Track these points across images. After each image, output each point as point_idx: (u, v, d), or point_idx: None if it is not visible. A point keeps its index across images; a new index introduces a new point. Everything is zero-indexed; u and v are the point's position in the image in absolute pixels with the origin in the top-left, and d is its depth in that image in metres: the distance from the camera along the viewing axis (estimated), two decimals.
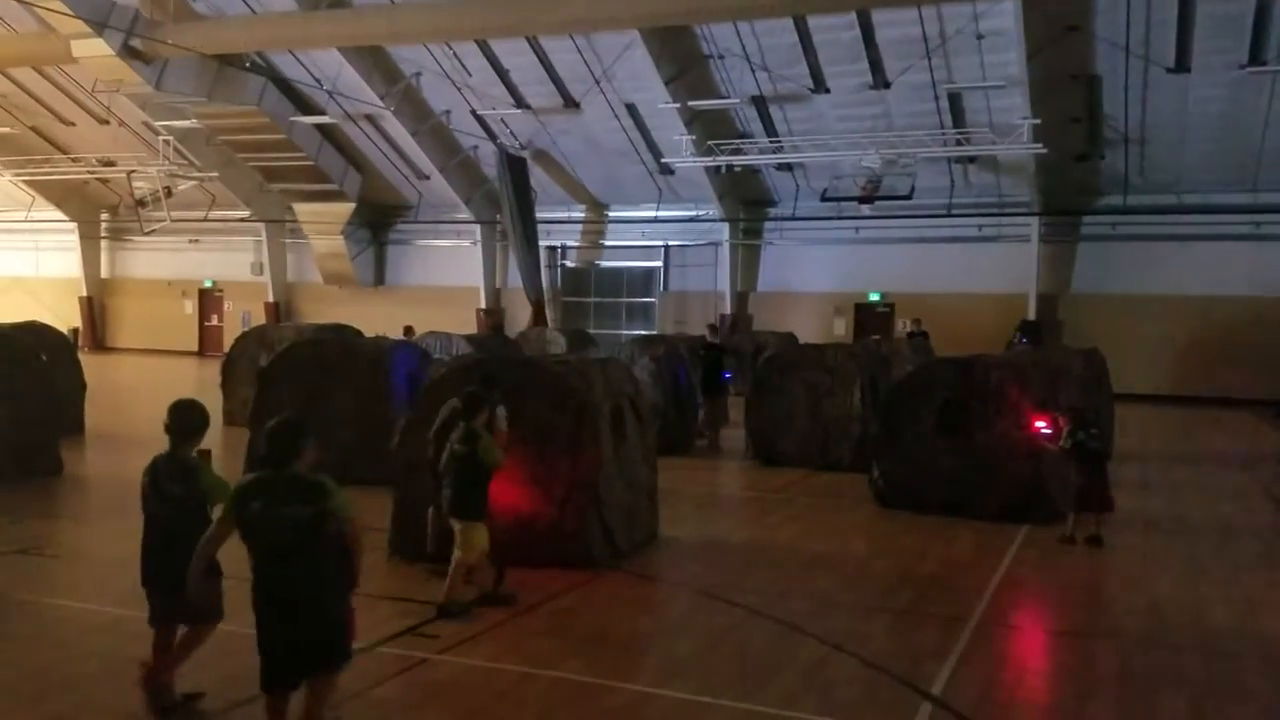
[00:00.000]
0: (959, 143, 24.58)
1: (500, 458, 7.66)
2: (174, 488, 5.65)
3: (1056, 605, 8.73)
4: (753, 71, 24.07)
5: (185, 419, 5.85)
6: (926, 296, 26.71)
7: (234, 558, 5.40)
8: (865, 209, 26.10)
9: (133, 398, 22.11)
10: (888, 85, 23.94)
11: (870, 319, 28.12)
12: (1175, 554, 10.19)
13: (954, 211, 26.33)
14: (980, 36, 21.93)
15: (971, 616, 7.90)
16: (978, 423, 11.24)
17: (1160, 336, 25.25)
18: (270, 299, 34.13)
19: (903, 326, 26.89)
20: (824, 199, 26.66)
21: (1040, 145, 22.89)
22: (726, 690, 6.29)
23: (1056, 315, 26.25)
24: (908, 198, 25.37)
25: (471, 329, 27.75)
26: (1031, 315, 26.09)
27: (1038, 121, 22.53)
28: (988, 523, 10.83)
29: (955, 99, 24.07)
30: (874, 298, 28.27)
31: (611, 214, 30.89)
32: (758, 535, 10.88)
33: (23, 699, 6.01)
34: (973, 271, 26.41)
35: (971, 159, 25.56)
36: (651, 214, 29.47)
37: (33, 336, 15.20)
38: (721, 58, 24.07)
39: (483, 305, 31.67)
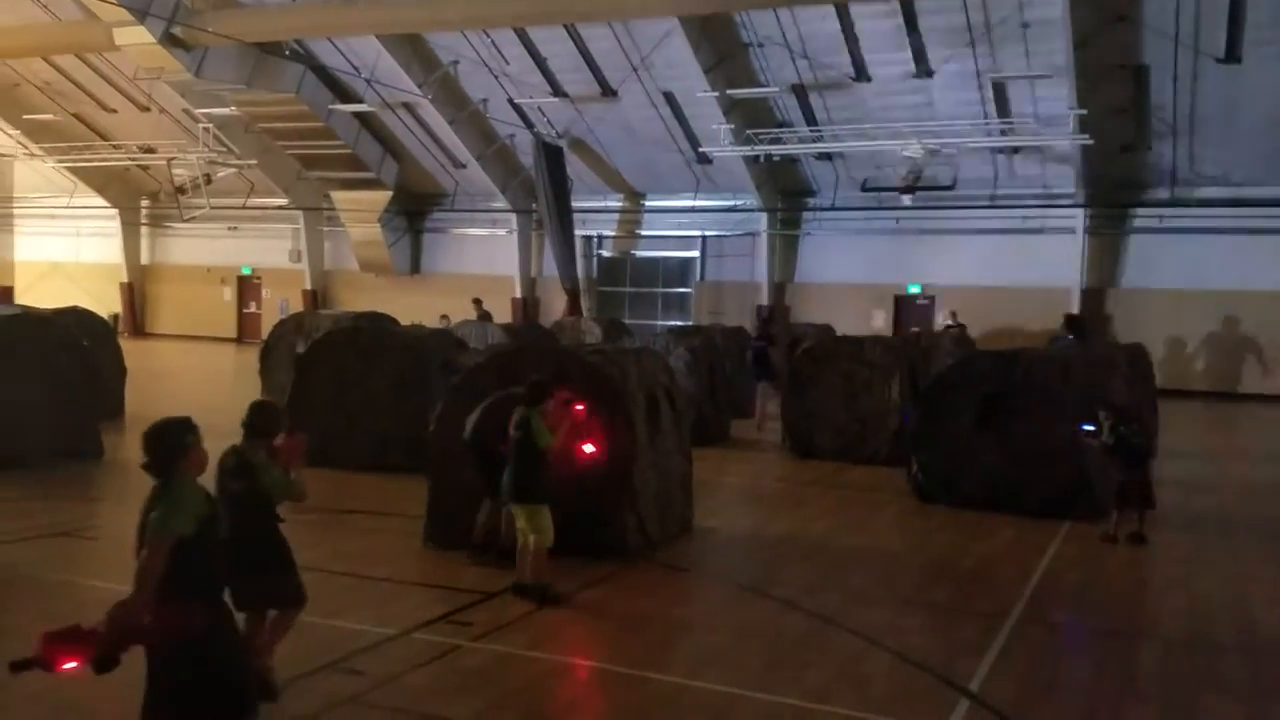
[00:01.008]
0: (1003, 133, 24.19)
1: (551, 440, 7.69)
2: (234, 484, 5.66)
3: (1097, 603, 8.56)
4: (793, 60, 23.83)
5: (259, 418, 5.83)
6: (968, 289, 26.36)
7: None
8: (906, 199, 25.77)
9: (172, 383, 22.34)
10: (931, 74, 23.61)
11: (910, 311, 27.82)
12: (1220, 553, 9.97)
13: (997, 203, 25.94)
14: (1026, 25, 21.55)
15: (1011, 613, 7.76)
16: (1020, 417, 11.06)
17: (1208, 332, 24.75)
18: (307, 286, 34.36)
19: (942, 319, 26.59)
20: (864, 189, 26.34)
21: (1086, 136, 22.47)
22: (759, 682, 6.22)
23: (1102, 310, 25.82)
24: (950, 188, 24.97)
25: (507, 318, 27.79)
26: (1075, 310, 25.67)
27: (1084, 112, 22.11)
28: (1028, 519, 10.65)
29: (1000, 88, 23.70)
30: (914, 290, 27.96)
31: (648, 203, 30.76)
32: (792, 528, 10.77)
33: (68, 680, 6.03)
34: (1016, 264, 26.01)
35: (1016, 150, 25.16)
36: (688, 203, 29.31)
37: (74, 321, 15.40)
38: (761, 46, 23.85)
39: (517, 294, 31.71)
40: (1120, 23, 21.09)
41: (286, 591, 5.85)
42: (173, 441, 4.51)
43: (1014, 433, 11.07)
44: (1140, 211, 25.58)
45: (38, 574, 8.08)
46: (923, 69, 23.60)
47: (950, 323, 24.86)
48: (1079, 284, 25.80)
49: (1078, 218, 25.76)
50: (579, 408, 8.01)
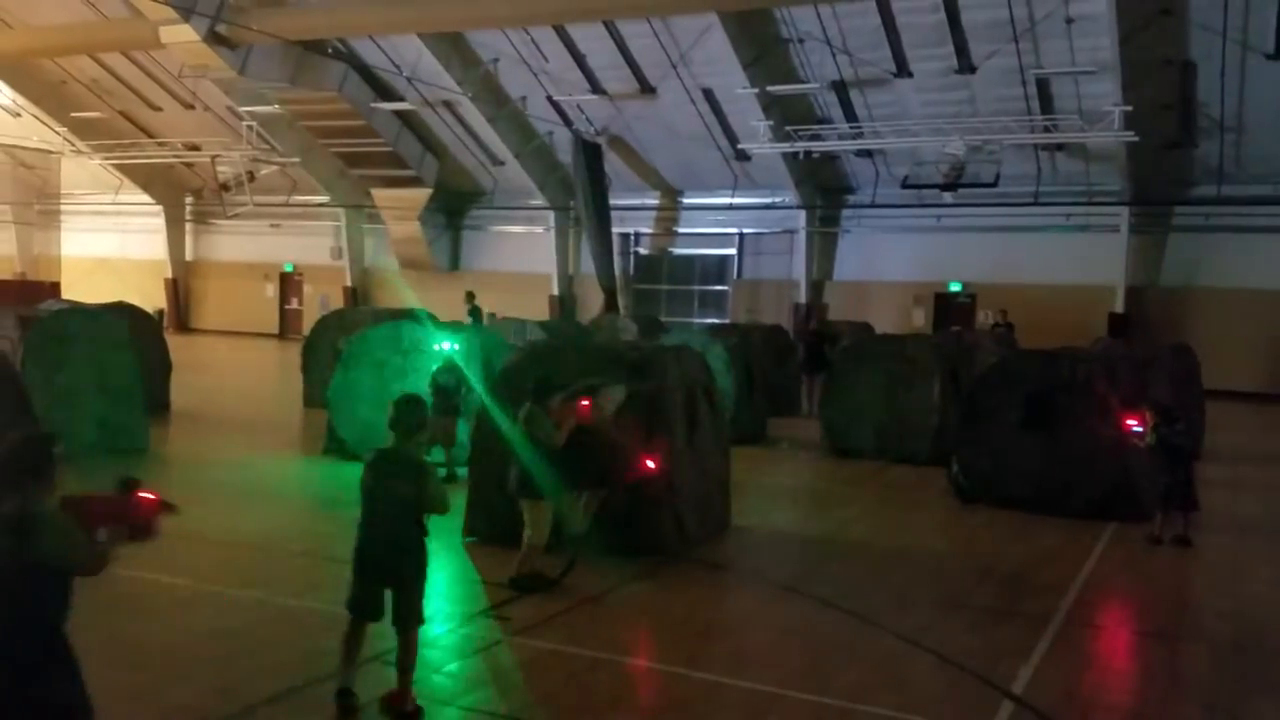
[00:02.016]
0: (1046, 129, 23.89)
1: (555, 438, 7.69)
2: (403, 488, 5.46)
3: (1143, 606, 8.44)
4: (833, 55, 23.68)
5: (409, 414, 5.65)
6: (1010, 287, 26.06)
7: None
8: (948, 196, 25.55)
9: (216, 378, 22.63)
10: (973, 70, 23.38)
11: (951, 309, 27.56)
12: (1267, 557, 9.80)
13: (1040, 200, 25.62)
14: (1070, 20, 21.28)
15: (1055, 615, 7.68)
16: (1064, 417, 10.93)
17: (1255, 332, 24.28)
18: (348, 283, 34.68)
19: (985, 317, 26.32)
20: (905, 186, 26.14)
21: (1131, 133, 22.15)
22: (798, 682, 6.19)
23: (1146, 308, 25.44)
24: (992, 185, 24.72)
25: (544, 315, 27.87)
26: (1119, 308, 25.34)
27: (1129, 108, 21.79)
28: (1072, 520, 10.52)
29: (1043, 84, 23.41)
30: (955, 288, 27.71)
31: (686, 200, 30.73)
32: (831, 528, 10.71)
33: (120, 668, 6.14)
34: (1059, 262, 25.70)
35: (1059, 146, 24.84)
36: (726, 201, 29.23)
37: (121, 316, 15.62)
38: (801, 41, 23.72)
39: (555, 292, 31.79)
40: (1166, 17, 20.76)
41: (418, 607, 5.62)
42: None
43: (1057, 433, 10.94)
44: (1185, 209, 25.18)
45: None
46: (965, 64, 23.37)
47: (998, 321, 24.60)
48: (1123, 282, 25.45)
49: (1122, 215, 25.40)
50: (584, 403, 7.97)
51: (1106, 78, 21.79)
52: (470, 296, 22.15)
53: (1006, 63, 22.64)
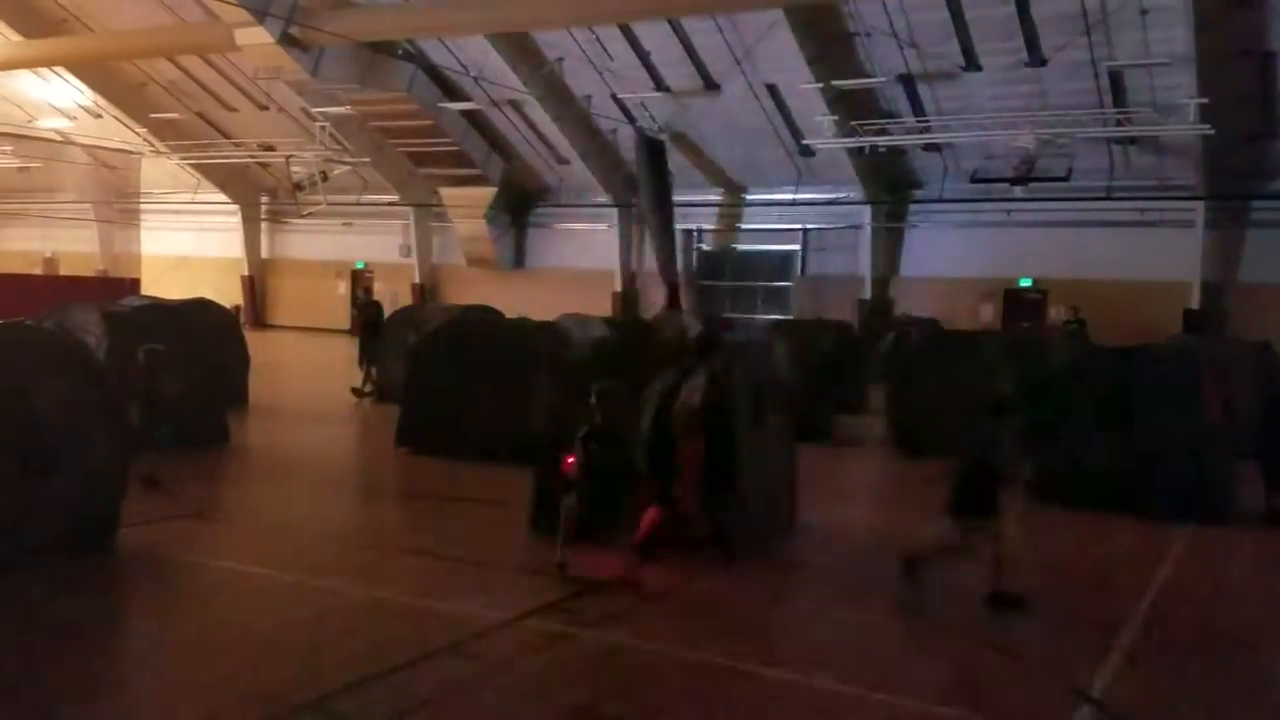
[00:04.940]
0: (1119, 123, 23.38)
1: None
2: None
3: (1224, 609, 8.26)
4: (900, 49, 23.42)
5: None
6: (1081, 283, 25.55)
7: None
8: (1018, 191, 25.13)
9: (291, 373, 23.11)
10: (1044, 63, 22.95)
11: (1020, 306, 27.11)
12: None
13: (1113, 194, 25.08)
14: (1144, 11, 20.79)
15: (1131, 618, 7.56)
16: (1139, 416, 10.71)
17: None
18: (416, 280, 35.18)
19: (1056, 314, 25.85)
20: (974, 180, 25.76)
21: (1207, 125, 21.54)
22: (872, 683, 6.16)
23: (1223, 305, 24.78)
24: (1064, 179, 24.28)
25: (606, 312, 27.97)
26: (1195, 305, 24.71)
27: (1205, 100, 21.21)
28: (1148, 521, 10.32)
29: (1116, 77, 22.92)
30: (1025, 284, 27.25)
31: (749, 196, 30.63)
32: (900, 526, 10.59)
33: (198, 655, 6.36)
34: (1131, 258, 25.13)
35: (1133, 140, 24.30)
36: (790, 196, 29.07)
37: (201, 312, 16.05)
38: (868, 35, 23.49)
39: (617, 288, 31.90)
40: (1244, 7, 20.20)
41: None
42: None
43: (1134, 431, 10.73)
44: (1264, 204, 24.46)
45: (171, 555, 8.48)
46: (1035, 58, 22.96)
47: (1069, 318, 24.17)
48: (1198, 278, 24.83)
49: (1197, 210, 24.76)
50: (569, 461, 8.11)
51: (1181, 70, 21.26)
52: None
53: (1078, 55, 22.19)
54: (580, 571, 7.84)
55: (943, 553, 7.94)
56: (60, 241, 40.59)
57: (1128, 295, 24.82)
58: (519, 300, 23.33)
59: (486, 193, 31.88)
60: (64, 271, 38.84)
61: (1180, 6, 19.85)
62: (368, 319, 19.04)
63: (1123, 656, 6.75)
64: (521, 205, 33.43)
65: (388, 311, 21.27)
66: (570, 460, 8.02)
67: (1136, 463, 10.64)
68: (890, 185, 28.41)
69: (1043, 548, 9.74)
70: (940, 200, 27.33)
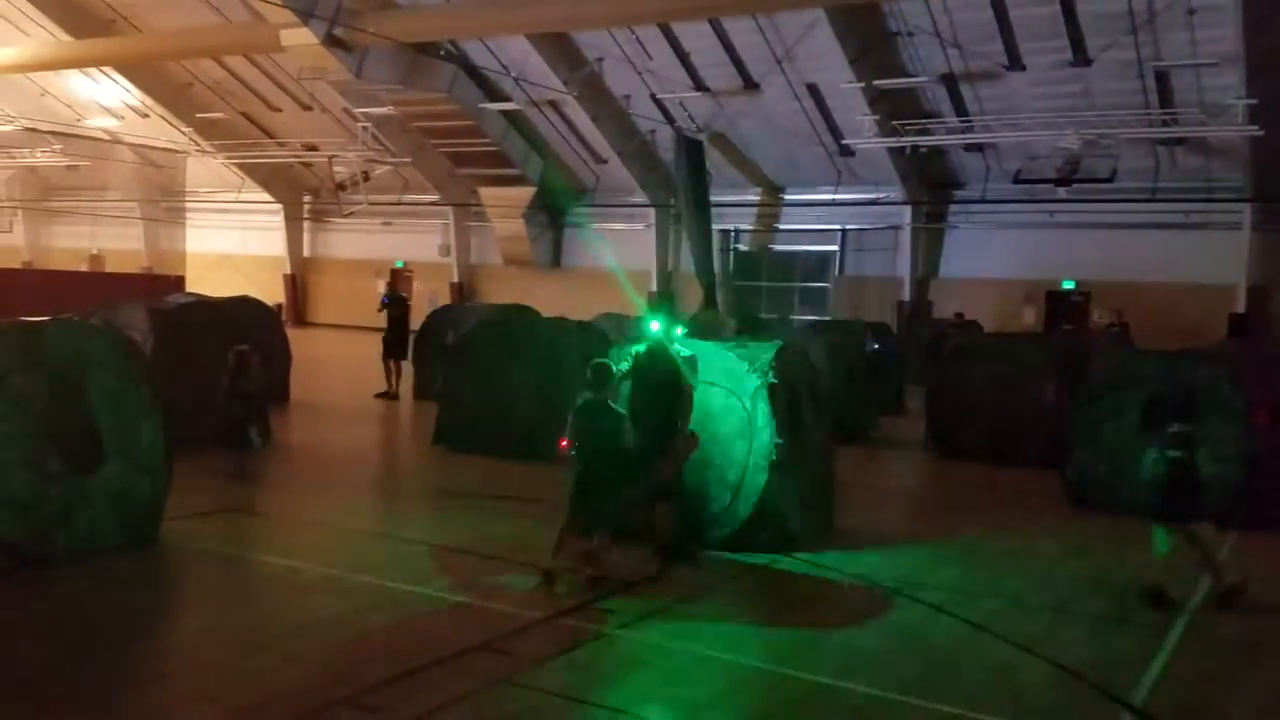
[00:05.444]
0: (1165, 123, 23.02)
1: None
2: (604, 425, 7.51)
3: (1269, 616, 8.10)
4: (943, 49, 23.22)
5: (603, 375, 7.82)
6: (1125, 285, 25.21)
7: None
8: (1061, 192, 24.83)
9: (331, 370, 23.33)
10: (1089, 63, 22.66)
11: (1063, 308, 26.79)
12: None
13: (1158, 196, 24.71)
14: (1193, 11, 20.47)
15: (1175, 624, 7.44)
16: (1185, 421, 10.51)
17: None
18: (454, 279, 35.41)
19: (1099, 316, 25.52)
20: (1017, 181, 25.49)
21: (1256, 127, 21.17)
22: (911, 688, 6.12)
23: (1270, 309, 24.33)
24: (1109, 180, 23.97)
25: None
26: (1241, 308, 24.29)
27: (1254, 101, 20.84)
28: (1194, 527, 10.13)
29: (1162, 77, 22.57)
30: (1067, 286, 26.93)
31: (787, 196, 30.52)
32: (939, 530, 10.54)
33: (239, 647, 6.44)
34: (1177, 260, 24.75)
35: (1178, 141, 23.93)
36: (829, 196, 28.91)
37: (245, 310, 16.24)
38: (910, 35, 23.32)
39: (653, 288, 31.89)
40: None
41: None
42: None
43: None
44: None
45: (213, 548, 8.60)
46: (1080, 57, 22.67)
47: (1113, 321, 23.85)
48: (1244, 281, 24.41)
49: (1244, 212, 24.35)
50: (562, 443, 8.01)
51: (1230, 70, 20.90)
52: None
53: (1124, 55, 21.89)
54: (600, 572, 7.77)
55: (1208, 566, 8.05)
56: (107, 239, 41.29)
57: (1172, 298, 24.45)
58: (556, 299, 23.39)
59: (525, 192, 32.02)
60: (110, 269, 39.47)
61: (1230, 6, 19.51)
62: (393, 316, 19.01)
63: (1164, 663, 6.65)
64: (559, 205, 33.53)
65: (427, 311, 21.39)
66: (564, 443, 7.96)
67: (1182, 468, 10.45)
68: (931, 185, 28.18)
69: (1085, 553, 9.65)
70: (982, 200, 27.07)
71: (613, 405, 7.74)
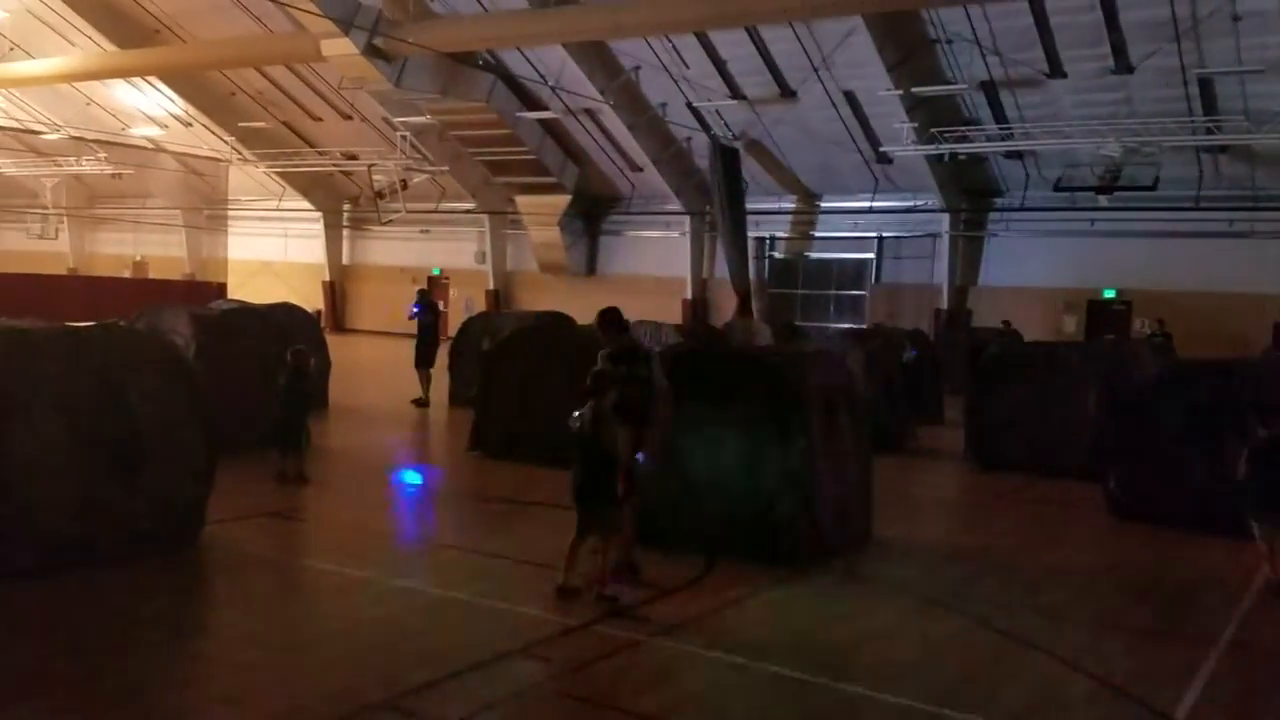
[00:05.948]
0: (1209, 131, 22.72)
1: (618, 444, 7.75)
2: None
3: None
4: (983, 56, 23.05)
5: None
6: (1168, 294, 24.87)
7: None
8: (1103, 200, 24.55)
9: (369, 376, 23.49)
10: (1131, 70, 22.41)
11: (1104, 317, 26.46)
12: None
13: (1201, 204, 24.37)
14: (1237, 18, 20.20)
15: (1220, 638, 7.31)
16: (1231, 431, 10.35)
17: None
18: (490, 286, 35.61)
19: (1141, 326, 25.17)
20: (1058, 189, 25.25)
21: None
22: (950, 701, 6.03)
23: None
24: (1151, 188, 23.67)
25: (678, 319, 27.96)
26: None
27: None
28: (1239, 539, 9.96)
29: (1206, 84, 22.27)
30: (1109, 295, 26.60)
31: (823, 204, 30.41)
32: (978, 541, 10.43)
33: (276, 650, 6.49)
34: (1220, 269, 24.38)
35: (1222, 149, 23.60)
36: (866, 204, 28.78)
37: (285, 316, 16.40)
38: (950, 42, 23.17)
39: (689, 296, 31.89)
40: None
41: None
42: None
43: (1224, 447, 10.37)
44: None
45: (253, 551, 8.68)
46: (1122, 65, 22.45)
47: (1155, 330, 23.52)
48: None
49: None
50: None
51: (1275, 77, 20.62)
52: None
53: (1167, 62, 21.63)
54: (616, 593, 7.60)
55: None
56: (150, 245, 41.98)
57: (1215, 307, 24.09)
58: (591, 306, 23.39)
59: (561, 200, 32.16)
60: (153, 275, 40.11)
61: (1275, 12, 19.28)
62: (424, 324, 19.05)
63: (1209, 677, 6.53)
64: (594, 212, 33.63)
65: (463, 318, 21.47)
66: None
67: (1227, 480, 10.28)
68: (969, 193, 27.97)
69: (1127, 565, 9.50)
70: (1022, 209, 26.83)
71: (604, 409, 7.71)
